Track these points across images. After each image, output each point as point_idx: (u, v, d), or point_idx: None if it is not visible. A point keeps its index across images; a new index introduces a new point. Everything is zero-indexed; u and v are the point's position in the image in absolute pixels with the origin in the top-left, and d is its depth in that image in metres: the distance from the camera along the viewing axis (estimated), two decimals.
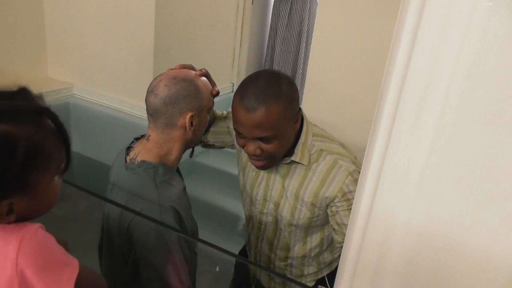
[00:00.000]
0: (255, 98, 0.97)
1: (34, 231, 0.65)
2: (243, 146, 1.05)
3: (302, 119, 1.11)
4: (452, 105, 0.48)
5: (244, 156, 1.25)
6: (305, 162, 1.10)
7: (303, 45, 3.05)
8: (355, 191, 1.07)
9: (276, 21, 3.06)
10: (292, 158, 1.10)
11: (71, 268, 0.67)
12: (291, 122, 1.04)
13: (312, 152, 1.11)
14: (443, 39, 0.47)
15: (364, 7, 1.58)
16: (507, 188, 0.49)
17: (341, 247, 1.17)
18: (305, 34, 3.03)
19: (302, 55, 3.07)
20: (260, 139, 1.00)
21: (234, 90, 3.02)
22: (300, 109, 1.08)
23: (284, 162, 1.13)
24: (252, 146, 1.02)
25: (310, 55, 1.77)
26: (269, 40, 3.15)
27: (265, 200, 1.21)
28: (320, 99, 1.71)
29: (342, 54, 1.67)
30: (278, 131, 1.00)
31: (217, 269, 1.16)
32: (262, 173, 1.19)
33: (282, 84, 1.00)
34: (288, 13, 3.00)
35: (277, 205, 1.18)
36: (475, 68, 0.47)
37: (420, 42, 0.48)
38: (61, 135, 0.68)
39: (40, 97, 0.69)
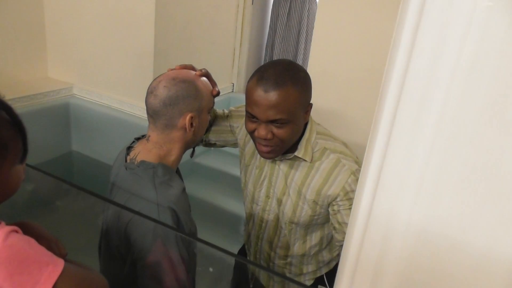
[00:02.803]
0: (273, 80, 0.99)
1: (5, 236, 0.65)
2: (253, 131, 1.06)
3: None
4: (452, 105, 0.48)
5: (248, 154, 1.25)
6: (308, 158, 1.11)
7: (301, 45, 3.06)
8: None
9: (275, 21, 3.06)
10: (296, 153, 1.11)
11: (52, 268, 0.66)
12: (303, 110, 1.05)
13: (315, 150, 1.12)
14: (443, 39, 0.47)
15: (364, 7, 1.58)
16: (507, 188, 0.49)
17: (341, 246, 1.17)
18: (304, 34, 3.03)
19: (301, 55, 3.07)
20: (273, 122, 1.01)
21: (234, 90, 3.05)
22: (311, 103, 1.09)
23: (287, 158, 1.13)
24: (264, 130, 1.02)
25: (310, 54, 1.77)
26: (268, 39, 3.16)
27: (267, 197, 1.21)
28: (319, 99, 1.71)
29: (342, 54, 1.68)
30: (292, 115, 1.01)
31: (211, 270, 1.16)
32: (265, 170, 1.20)
33: (299, 71, 1.03)
34: (287, 13, 3.01)
35: (279, 202, 1.19)
36: (475, 68, 0.47)
37: (420, 42, 0.48)
38: (16, 125, 0.71)
39: None
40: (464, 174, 0.50)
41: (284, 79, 0.99)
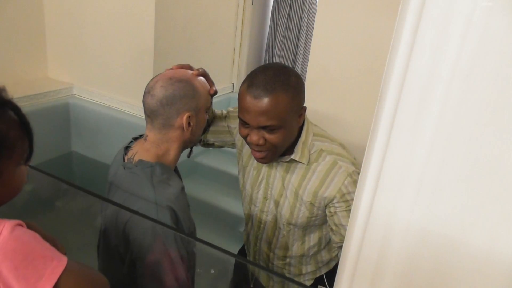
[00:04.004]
0: (263, 86, 0.98)
1: (11, 228, 0.66)
2: (246, 136, 1.05)
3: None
4: (452, 105, 0.48)
5: (245, 155, 1.25)
6: (304, 161, 1.11)
7: (301, 45, 3.06)
8: (354, 192, 1.08)
9: (276, 21, 3.07)
10: (292, 156, 1.10)
11: (57, 263, 0.66)
12: (296, 115, 1.05)
13: (312, 152, 1.11)
14: (443, 39, 0.47)
15: (364, 7, 1.58)
16: (507, 188, 0.49)
17: (339, 247, 1.17)
18: (304, 34, 3.03)
19: (300, 55, 3.07)
20: (265, 128, 1.01)
21: (234, 90, 3.05)
22: (304, 106, 1.09)
23: (284, 161, 1.13)
24: (256, 136, 1.02)
25: (310, 54, 1.77)
26: (268, 39, 3.16)
27: (265, 198, 1.21)
28: (319, 99, 1.71)
29: (342, 54, 1.67)
30: (283, 121, 1.00)
31: (212, 271, 1.16)
32: (263, 171, 1.20)
33: (290, 76, 1.02)
34: (288, 13, 3.01)
35: (277, 203, 1.19)
36: (475, 68, 0.47)
37: (420, 42, 0.48)
38: (24, 126, 0.71)
39: (3, 90, 0.72)
40: (463, 174, 0.50)
41: (274, 85, 0.98)
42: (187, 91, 1.01)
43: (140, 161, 1.01)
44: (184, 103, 1.00)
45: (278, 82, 0.99)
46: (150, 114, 1.02)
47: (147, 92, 1.02)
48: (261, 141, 1.02)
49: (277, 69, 1.03)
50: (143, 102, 1.04)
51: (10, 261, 0.64)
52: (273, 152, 1.06)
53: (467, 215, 0.51)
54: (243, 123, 1.04)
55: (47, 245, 0.68)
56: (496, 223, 0.50)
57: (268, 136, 1.02)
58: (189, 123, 1.02)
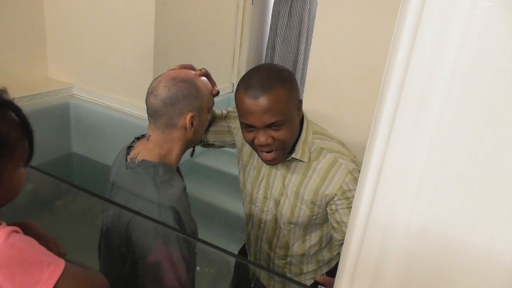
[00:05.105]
0: (260, 85, 0.99)
1: (6, 236, 0.65)
2: (252, 141, 1.05)
3: (303, 117, 1.12)
4: (452, 105, 0.49)
5: (245, 155, 1.25)
6: (305, 159, 1.11)
7: (302, 45, 3.06)
8: (354, 189, 1.08)
9: (276, 21, 3.06)
10: (293, 155, 1.11)
11: (53, 268, 0.66)
12: (295, 108, 1.05)
13: (312, 150, 1.12)
14: (443, 39, 0.47)
15: (364, 7, 1.58)
16: (507, 188, 0.49)
17: (340, 245, 1.17)
18: (305, 35, 3.03)
19: (301, 55, 3.07)
20: (270, 126, 1.01)
21: (234, 90, 3.04)
22: (300, 99, 1.09)
23: (285, 160, 1.13)
24: (263, 136, 1.02)
25: (310, 55, 1.77)
26: (268, 40, 3.16)
27: (265, 198, 1.21)
28: (320, 99, 1.71)
29: (342, 54, 1.67)
30: (286, 115, 1.01)
31: (213, 271, 1.16)
32: (263, 171, 1.20)
33: (282, 71, 1.04)
34: (288, 13, 3.01)
35: (277, 203, 1.19)
36: (475, 68, 0.47)
37: (420, 42, 0.48)
38: (24, 127, 0.72)
39: (4, 91, 0.72)
40: (463, 174, 0.50)
41: (270, 82, 0.99)
42: (190, 91, 1.01)
43: (143, 161, 1.01)
44: (187, 103, 1.01)
45: (273, 78, 1.00)
46: (153, 114, 1.02)
47: (150, 92, 1.03)
48: (270, 140, 1.02)
49: (268, 67, 1.05)
50: (146, 102, 1.04)
51: (6, 268, 0.63)
52: (282, 149, 1.06)
53: (467, 215, 0.51)
54: (247, 127, 1.04)
55: (43, 250, 0.68)
56: (496, 223, 0.50)
57: (275, 134, 1.02)
58: (192, 123, 1.02)
